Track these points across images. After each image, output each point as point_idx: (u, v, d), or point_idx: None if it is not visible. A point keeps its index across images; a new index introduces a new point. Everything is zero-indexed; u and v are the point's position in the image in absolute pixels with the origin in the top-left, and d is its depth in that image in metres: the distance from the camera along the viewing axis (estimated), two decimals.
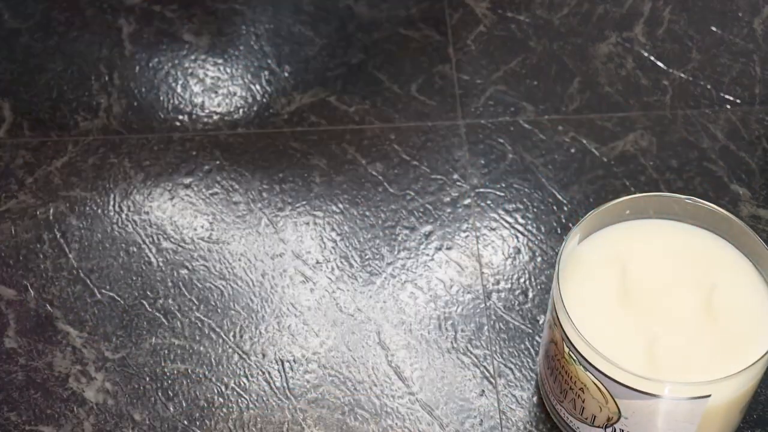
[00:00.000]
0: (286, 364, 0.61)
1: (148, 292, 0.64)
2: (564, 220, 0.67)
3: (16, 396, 0.60)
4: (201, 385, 0.60)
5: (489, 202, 0.68)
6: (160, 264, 0.65)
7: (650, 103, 0.73)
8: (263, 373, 0.61)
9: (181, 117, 0.73)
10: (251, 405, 0.60)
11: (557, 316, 0.53)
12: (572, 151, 0.71)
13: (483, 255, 0.66)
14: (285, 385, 0.61)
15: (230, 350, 0.62)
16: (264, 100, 0.74)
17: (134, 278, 0.65)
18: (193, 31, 0.78)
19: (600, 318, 0.53)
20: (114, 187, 0.69)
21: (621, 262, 0.55)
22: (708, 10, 0.79)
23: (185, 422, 0.59)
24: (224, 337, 0.62)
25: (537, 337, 0.62)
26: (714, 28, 0.78)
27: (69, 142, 0.72)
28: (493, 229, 0.67)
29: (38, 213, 0.68)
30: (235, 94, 0.74)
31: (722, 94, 0.74)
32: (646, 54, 0.76)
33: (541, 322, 0.63)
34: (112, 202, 0.68)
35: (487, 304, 0.63)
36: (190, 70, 0.75)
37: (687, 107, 0.73)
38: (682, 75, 0.75)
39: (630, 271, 0.54)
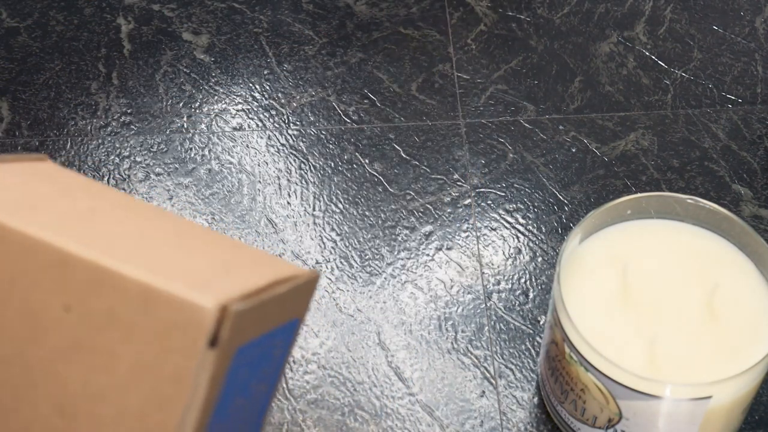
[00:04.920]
0: (286, 365, 0.61)
1: None
2: (565, 220, 0.67)
3: None
4: None
5: (489, 202, 0.68)
6: None
7: (651, 103, 0.73)
8: None
9: (180, 117, 0.73)
10: None
11: (558, 317, 0.52)
12: (573, 150, 0.71)
13: (483, 255, 0.65)
14: (284, 385, 0.60)
15: None
16: (264, 99, 0.74)
17: None
18: (192, 30, 0.78)
19: (601, 318, 0.53)
20: (113, 188, 0.69)
21: (622, 263, 0.54)
22: (709, 8, 0.79)
23: None
24: None
25: (538, 338, 0.62)
26: (715, 27, 0.78)
27: (68, 142, 0.71)
28: (494, 229, 0.67)
29: None
30: (234, 93, 0.74)
31: (724, 94, 0.74)
32: (647, 53, 0.76)
33: (541, 322, 0.62)
34: None
35: (488, 304, 0.63)
36: (189, 70, 0.75)
37: (688, 107, 0.73)
38: (684, 74, 0.75)
39: (631, 271, 0.54)
